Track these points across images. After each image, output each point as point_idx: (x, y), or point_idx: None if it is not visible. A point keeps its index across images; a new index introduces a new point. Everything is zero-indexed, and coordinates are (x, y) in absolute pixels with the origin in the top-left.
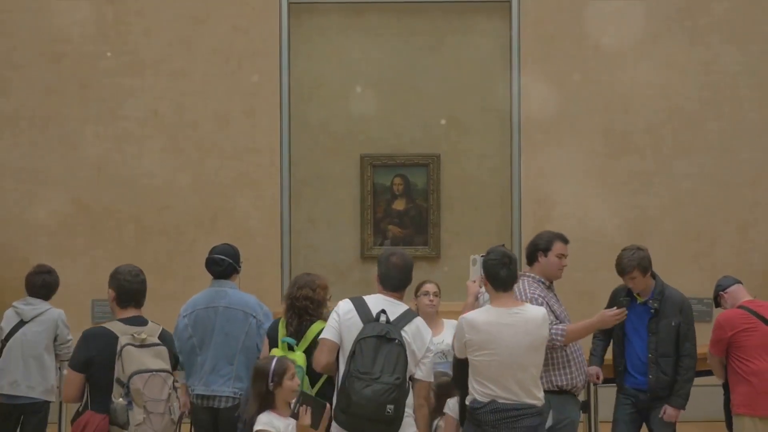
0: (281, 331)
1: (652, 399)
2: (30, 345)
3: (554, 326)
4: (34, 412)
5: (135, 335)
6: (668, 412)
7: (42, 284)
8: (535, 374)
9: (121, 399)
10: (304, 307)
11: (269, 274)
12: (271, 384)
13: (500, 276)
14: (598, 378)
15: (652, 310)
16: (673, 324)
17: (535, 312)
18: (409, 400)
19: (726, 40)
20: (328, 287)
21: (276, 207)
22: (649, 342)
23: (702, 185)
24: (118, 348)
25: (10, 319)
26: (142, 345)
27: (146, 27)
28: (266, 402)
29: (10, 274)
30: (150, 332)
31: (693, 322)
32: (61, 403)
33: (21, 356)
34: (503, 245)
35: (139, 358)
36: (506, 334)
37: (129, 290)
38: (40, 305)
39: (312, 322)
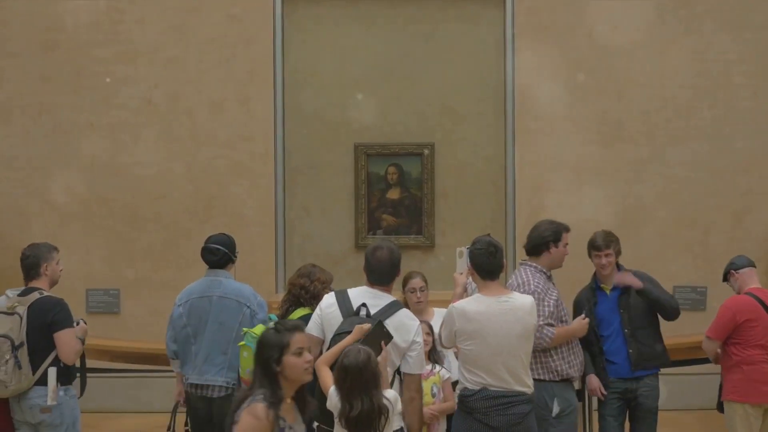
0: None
1: (637, 388)
2: None
3: (546, 327)
4: None
5: (9, 305)
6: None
7: None
8: (525, 362)
9: None
10: (298, 295)
11: (263, 262)
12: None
13: (486, 265)
14: (600, 388)
15: (621, 289)
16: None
17: (523, 300)
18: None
19: (720, 28)
20: (329, 283)
21: (270, 196)
22: (622, 318)
23: (696, 173)
24: None
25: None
26: (9, 312)
27: (140, 15)
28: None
29: (5, 263)
30: (24, 302)
31: (660, 285)
32: None
33: None
34: (488, 234)
35: None
36: (497, 322)
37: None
38: None
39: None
